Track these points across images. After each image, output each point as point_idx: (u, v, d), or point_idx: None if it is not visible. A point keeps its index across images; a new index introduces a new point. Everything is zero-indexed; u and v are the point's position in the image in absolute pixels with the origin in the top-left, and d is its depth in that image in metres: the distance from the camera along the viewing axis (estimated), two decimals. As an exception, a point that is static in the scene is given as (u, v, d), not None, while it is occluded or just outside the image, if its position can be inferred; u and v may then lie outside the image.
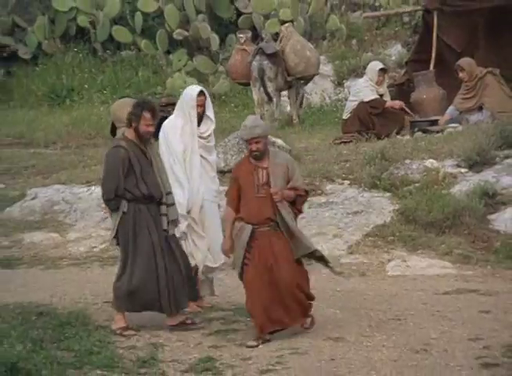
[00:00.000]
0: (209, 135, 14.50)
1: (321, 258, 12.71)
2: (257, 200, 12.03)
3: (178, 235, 13.23)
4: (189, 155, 14.11)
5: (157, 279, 12.71)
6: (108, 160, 13.08)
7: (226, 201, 12.60)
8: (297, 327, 12.32)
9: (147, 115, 12.61)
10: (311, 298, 12.49)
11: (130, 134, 12.84)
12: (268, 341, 12.14)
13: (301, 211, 12.68)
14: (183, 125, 14.01)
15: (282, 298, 12.13)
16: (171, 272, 12.76)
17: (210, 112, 14.43)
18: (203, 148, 14.35)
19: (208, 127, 14.49)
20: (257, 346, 12.03)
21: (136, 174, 12.61)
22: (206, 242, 14.37)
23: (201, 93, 14.41)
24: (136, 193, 12.63)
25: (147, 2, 27.99)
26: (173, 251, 12.94)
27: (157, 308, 12.95)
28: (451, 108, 21.57)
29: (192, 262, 14.16)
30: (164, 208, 12.88)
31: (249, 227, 12.00)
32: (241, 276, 12.29)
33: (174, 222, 13.13)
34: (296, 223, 12.42)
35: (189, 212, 14.14)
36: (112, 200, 12.78)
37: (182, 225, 14.00)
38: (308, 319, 12.38)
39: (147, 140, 12.85)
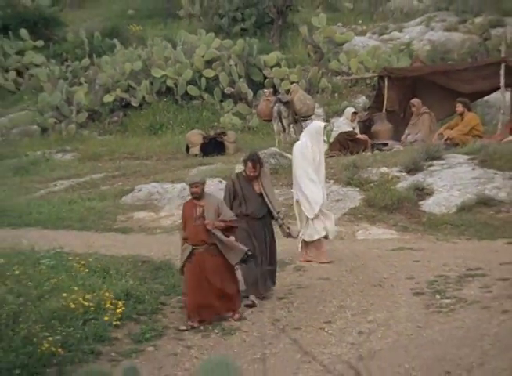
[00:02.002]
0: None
1: (251, 256, 12.00)
2: (194, 227, 11.69)
3: (296, 235, 12.96)
4: (317, 164, 13.95)
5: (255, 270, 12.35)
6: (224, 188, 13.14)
7: (183, 225, 12.25)
8: (225, 315, 11.89)
9: (250, 164, 12.46)
10: (237, 297, 12.03)
11: (245, 173, 12.70)
12: (196, 327, 11.54)
13: (233, 233, 11.99)
14: (312, 146, 13.80)
15: (210, 296, 11.72)
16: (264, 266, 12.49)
17: (325, 138, 14.85)
18: None
19: (324, 146, 14.75)
20: (186, 330, 11.45)
21: (239, 199, 12.38)
22: (332, 217, 14.37)
23: (325, 127, 14.72)
24: (238, 211, 12.26)
25: (209, 71, 27.96)
26: (271, 253, 12.65)
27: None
28: (406, 132, 21.43)
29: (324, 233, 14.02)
30: (280, 221, 12.70)
31: (189, 247, 11.67)
32: (182, 272, 11.97)
33: (284, 226, 12.85)
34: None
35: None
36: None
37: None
38: (237, 315, 11.81)
39: (254, 179, 12.52)
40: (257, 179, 12.57)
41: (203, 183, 12.11)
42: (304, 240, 14.00)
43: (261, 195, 12.52)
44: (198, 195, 11.86)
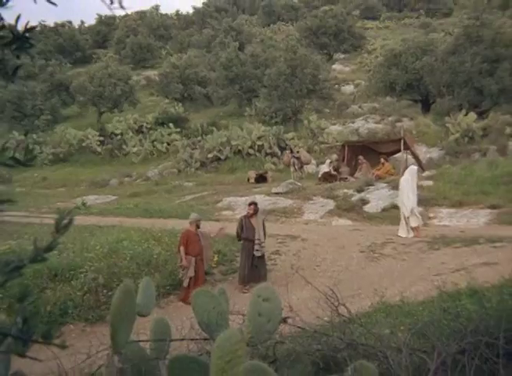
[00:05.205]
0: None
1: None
2: (199, 246, 10.29)
3: (259, 254, 10.89)
4: (414, 189, 13.21)
5: (244, 269, 10.92)
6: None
7: (182, 244, 10.40)
8: None
9: (249, 207, 11.11)
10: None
11: (248, 212, 11.14)
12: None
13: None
14: (411, 178, 13.15)
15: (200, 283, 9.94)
16: (255, 268, 10.86)
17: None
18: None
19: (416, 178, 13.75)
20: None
21: (243, 228, 10.88)
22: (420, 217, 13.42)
23: (415, 170, 13.64)
24: (242, 236, 10.90)
25: (259, 142, 28.23)
26: (259, 260, 10.91)
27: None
28: (360, 174, 20.97)
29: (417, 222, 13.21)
30: (256, 246, 10.84)
31: (193, 258, 10.21)
32: (192, 278, 10.28)
33: (259, 250, 10.86)
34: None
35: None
36: (237, 237, 11.08)
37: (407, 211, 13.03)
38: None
39: (252, 216, 10.90)
40: (253, 217, 10.98)
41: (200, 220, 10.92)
42: (411, 227, 13.13)
43: (252, 227, 10.94)
44: (199, 227, 10.70)
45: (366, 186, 18.09)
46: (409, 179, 13.27)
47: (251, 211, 11.00)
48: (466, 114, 25.54)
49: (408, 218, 13.17)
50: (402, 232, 13.26)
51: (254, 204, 11.27)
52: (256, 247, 10.84)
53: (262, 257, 11.04)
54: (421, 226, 13.39)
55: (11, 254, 9.73)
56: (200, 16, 71.73)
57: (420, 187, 17.27)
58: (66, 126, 38.75)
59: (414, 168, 13.96)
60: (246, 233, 10.88)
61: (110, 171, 31.23)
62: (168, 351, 2.49)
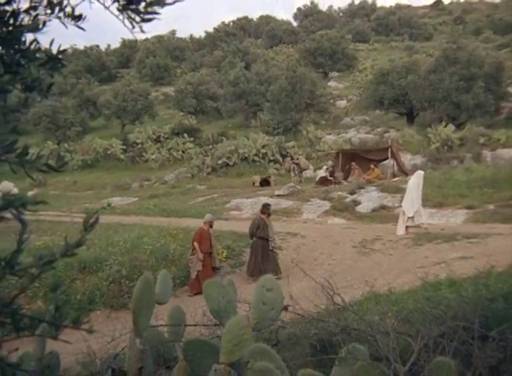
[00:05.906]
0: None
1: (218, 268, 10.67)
2: (209, 244, 10.35)
3: (276, 248, 11.00)
4: (419, 191, 12.63)
5: (257, 263, 10.78)
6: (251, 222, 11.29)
7: (196, 240, 10.43)
8: None
9: (263, 208, 11.06)
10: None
11: (262, 214, 11.01)
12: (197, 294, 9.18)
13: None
14: (418, 182, 12.59)
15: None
16: (265, 262, 10.68)
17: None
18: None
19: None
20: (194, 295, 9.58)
21: (259, 228, 10.74)
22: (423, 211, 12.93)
23: (421, 174, 12.95)
24: (257, 235, 10.76)
25: (263, 150, 28.07)
26: (270, 255, 10.80)
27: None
28: (353, 179, 20.67)
29: (423, 218, 12.75)
30: (271, 243, 10.82)
31: (202, 254, 10.19)
32: (200, 272, 10.15)
33: (274, 247, 10.87)
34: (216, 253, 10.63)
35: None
36: (250, 236, 10.98)
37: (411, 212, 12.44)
38: None
39: (266, 217, 10.84)
40: (267, 217, 10.94)
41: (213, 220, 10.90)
42: (407, 226, 12.71)
43: (267, 226, 10.85)
44: (212, 227, 10.71)
45: (358, 189, 17.97)
46: (415, 183, 12.89)
47: (265, 213, 10.92)
48: (445, 126, 25.72)
49: (411, 218, 12.83)
50: (400, 230, 13.02)
51: (267, 206, 11.19)
52: (271, 244, 10.86)
53: (274, 251, 11.01)
54: (413, 226, 13.20)
55: (45, 249, 9.75)
56: (211, 40, 71.88)
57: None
58: (94, 136, 38.86)
59: (421, 172, 13.54)
60: (263, 231, 10.79)
61: (132, 175, 31.16)
62: (183, 335, 2.49)
